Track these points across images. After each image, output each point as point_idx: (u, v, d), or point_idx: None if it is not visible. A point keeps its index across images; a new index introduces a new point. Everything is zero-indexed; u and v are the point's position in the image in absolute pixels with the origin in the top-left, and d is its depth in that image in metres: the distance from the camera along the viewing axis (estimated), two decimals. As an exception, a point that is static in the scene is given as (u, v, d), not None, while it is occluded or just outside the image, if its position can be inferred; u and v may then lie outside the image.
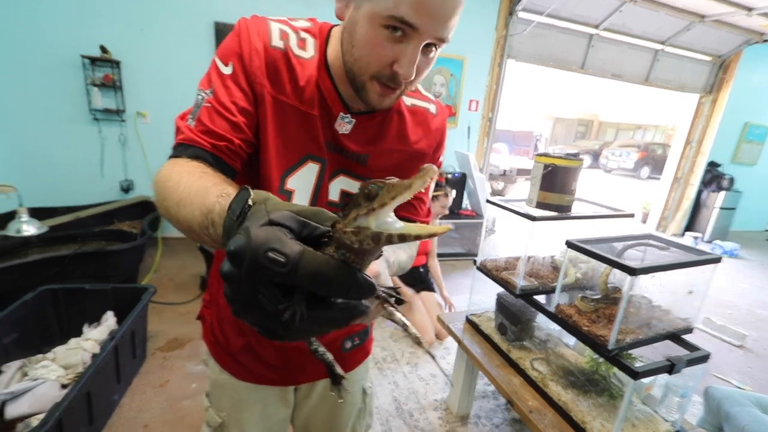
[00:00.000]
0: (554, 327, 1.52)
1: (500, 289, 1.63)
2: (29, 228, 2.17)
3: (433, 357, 0.55)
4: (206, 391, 0.85)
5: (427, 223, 0.79)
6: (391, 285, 0.48)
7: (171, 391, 1.80)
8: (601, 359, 1.34)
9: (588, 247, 1.23)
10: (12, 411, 1.38)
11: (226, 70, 0.58)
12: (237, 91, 0.57)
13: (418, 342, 0.54)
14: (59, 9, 2.81)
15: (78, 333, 1.80)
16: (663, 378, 1.39)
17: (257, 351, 0.76)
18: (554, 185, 1.51)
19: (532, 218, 1.42)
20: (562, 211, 1.52)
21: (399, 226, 0.27)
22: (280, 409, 0.85)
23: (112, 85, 3.01)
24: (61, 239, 2.51)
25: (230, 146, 0.56)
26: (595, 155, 15.61)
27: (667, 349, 1.25)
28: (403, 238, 0.26)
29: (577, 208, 1.61)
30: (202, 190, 0.44)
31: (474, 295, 1.88)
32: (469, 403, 1.84)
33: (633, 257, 1.45)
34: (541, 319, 1.69)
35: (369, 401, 0.94)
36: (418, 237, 0.26)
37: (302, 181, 0.65)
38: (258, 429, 0.82)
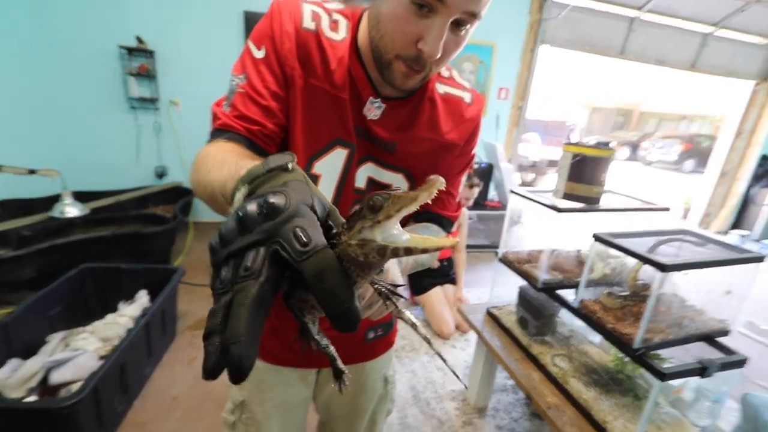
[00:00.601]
0: (579, 323, 1.47)
1: (523, 282, 1.60)
2: (72, 210, 2.32)
3: (443, 359, 0.55)
4: None
5: (456, 217, 0.77)
6: (401, 282, 0.47)
7: (198, 367, 1.89)
8: (628, 358, 1.29)
9: (616, 241, 1.18)
10: (56, 377, 1.49)
11: (259, 54, 0.58)
12: (269, 75, 0.58)
13: (427, 341, 0.53)
14: (99, 1, 2.94)
15: (114, 309, 1.91)
16: (695, 381, 1.32)
17: (279, 333, 0.77)
18: (582, 176, 1.45)
19: (557, 210, 1.37)
20: (591, 203, 1.46)
21: (405, 238, 0.26)
22: (301, 390, 0.86)
23: (147, 75, 3.13)
24: (101, 221, 2.66)
25: (264, 131, 0.57)
26: (634, 147, 14.84)
27: (703, 352, 1.18)
28: (409, 252, 0.25)
29: (606, 201, 1.54)
30: (236, 160, 0.44)
31: (496, 288, 1.85)
32: (487, 396, 1.82)
33: (666, 254, 1.37)
34: (564, 315, 1.64)
35: (390, 389, 0.94)
36: (424, 250, 0.25)
37: (329, 167, 0.64)
38: (278, 409, 0.84)
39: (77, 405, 1.20)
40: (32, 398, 1.42)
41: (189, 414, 1.62)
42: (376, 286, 0.41)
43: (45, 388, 1.47)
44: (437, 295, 2.44)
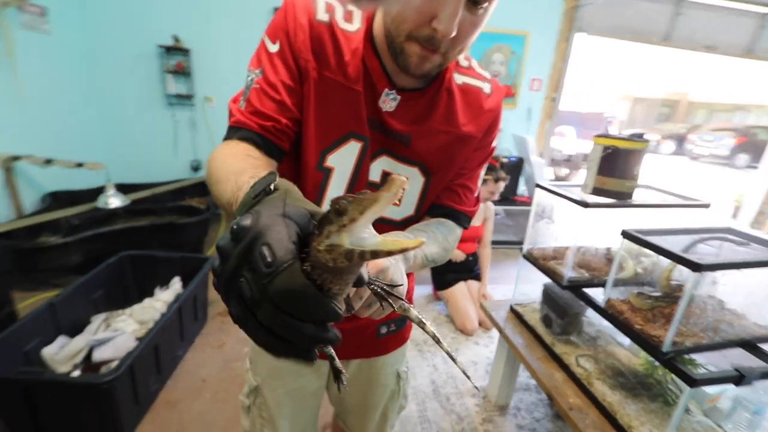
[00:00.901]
0: (607, 324, 1.41)
1: (548, 280, 1.55)
2: (115, 201, 2.48)
3: (453, 358, 0.53)
4: (249, 355, 0.91)
5: (474, 212, 0.75)
6: (404, 282, 0.46)
7: (227, 352, 1.98)
8: (658, 363, 1.23)
9: (648, 238, 1.12)
10: (98, 355, 1.61)
11: (273, 48, 0.58)
12: (283, 69, 0.58)
13: (436, 340, 0.52)
14: (139, 2, 3.09)
15: (151, 294, 2.03)
16: (733, 390, 1.24)
17: None
18: (614, 169, 1.38)
19: (585, 205, 1.31)
20: (622, 199, 1.39)
21: (373, 241, 0.26)
22: (313, 381, 0.87)
23: (183, 72, 3.27)
24: (140, 212, 2.82)
25: (277, 126, 0.57)
26: (680, 140, 13.92)
27: (744, 359, 1.10)
28: (375, 255, 0.25)
29: (640, 196, 1.46)
30: (240, 170, 0.45)
31: (522, 285, 1.80)
32: (509, 394, 1.79)
33: (704, 253, 1.29)
34: (591, 315, 1.58)
35: (403, 384, 0.94)
36: (389, 253, 0.25)
37: (342, 160, 0.64)
38: (290, 397, 0.85)
39: (114, 381, 1.28)
40: (76, 373, 1.53)
41: (217, 396, 1.70)
42: (372, 286, 0.40)
43: (88, 364, 1.59)
44: (461, 290, 2.42)
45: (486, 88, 0.69)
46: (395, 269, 0.46)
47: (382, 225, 0.70)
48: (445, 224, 0.70)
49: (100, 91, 3.18)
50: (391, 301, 0.42)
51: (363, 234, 0.26)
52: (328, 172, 0.64)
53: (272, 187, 0.33)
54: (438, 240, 0.66)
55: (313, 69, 0.59)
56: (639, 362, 1.36)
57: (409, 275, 0.86)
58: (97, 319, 1.79)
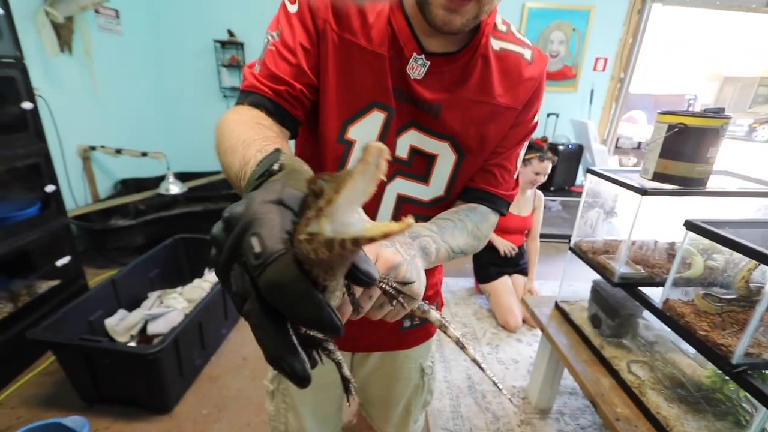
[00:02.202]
0: (669, 328, 1.24)
1: (598, 276, 1.39)
2: (174, 188, 2.67)
3: (480, 366, 0.46)
4: None
5: (513, 196, 0.68)
6: (420, 280, 0.41)
7: (267, 333, 2.06)
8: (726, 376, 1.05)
9: (719, 230, 0.95)
10: (152, 328, 1.75)
11: (293, 8, 0.55)
12: (301, 30, 0.55)
13: (461, 346, 0.46)
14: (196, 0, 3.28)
15: (201, 275, 2.17)
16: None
17: None
18: (681, 152, 1.19)
19: (643, 192, 1.15)
20: (691, 186, 1.20)
21: (358, 228, 0.22)
22: (334, 370, 0.86)
23: (237, 66, 3.42)
24: (198, 199, 3.02)
25: (291, 91, 0.54)
26: (783, 125, 11.97)
27: None
28: (356, 243, 0.21)
29: (716, 184, 1.25)
30: (248, 141, 0.42)
31: (571, 281, 1.65)
32: (551, 397, 1.66)
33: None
34: (651, 318, 1.40)
35: (428, 380, 0.90)
36: (371, 239, 0.21)
37: (365, 132, 0.59)
38: (312, 385, 0.85)
39: (160, 353, 1.38)
40: (133, 344, 1.68)
41: (255, 373, 1.77)
42: (382, 285, 0.36)
43: (143, 336, 1.74)
44: (504, 284, 2.29)
45: (527, 54, 0.61)
46: (409, 266, 0.40)
47: (409, 206, 0.65)
48: (476, 210, 0.63)
49: (163, 85, 3.43)
50: (403, 302, 0.37)
51: (349, 219, 0.22)
52: (350, 144, 0.60)
53: (276, 166, 0.30)
54: (467, 229, 0.59)
55: (332, 30, 0.55)
56: (705, 374, 1.18)
57: (435, 268, 0.81)
58: (153, 296, 1.94)
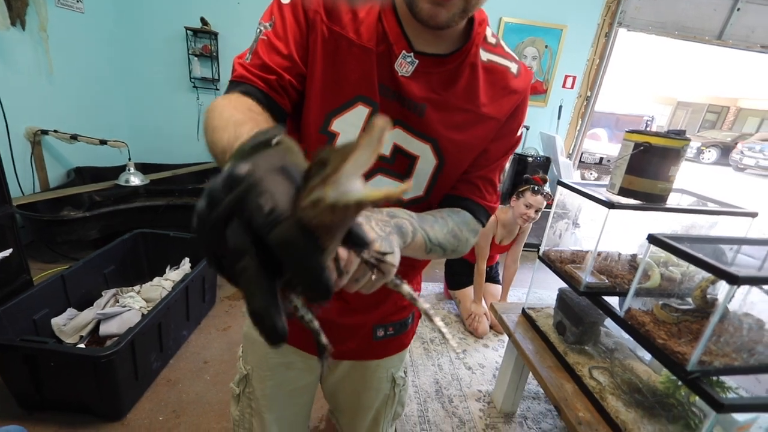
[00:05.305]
0: (628, 336, 1.30)
1: (565, 285, 1.44)
2: (135, 179, 2.52)
3: (430, 318, 0.47)
4: (242, 342, 0.87)
5: (495, 208, 0.68)
6: (395, 251, 0.42)
7: (231, 335, 1.97)
8: (681, 382, 1.11)
9: (678, 244, 1.00)
10: (104, 329, 1.63)
11: (285, 0, 0.55)
12: (293, 22, 0.55)
13: (429, 317, 0.46)
14: (170, -17, 3.13)
15: (162, 273, 2.05)
16: (767, 419, 1.11)
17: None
18: (646, 169, 1.26)
19: (610, 205, 1.20)
20: (653, 201, 1.26)
21: (357, 194, 0.23)
22: (303, 376, 0.83)
23: (209, 56, 3.29)
24: (161, 192, 2.87)
25: (280, 81, 0.54)
26: (726, 149, 13.06)
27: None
28: (359, 205, 0.23)
29: (675, 200, 1.33)
30: (241, 121, 0.42)
31: (537, 289, 1.70)
32: (516, 401, 1.70)
33: (745, 265, 1.16)
34: (611, 325, 1.47)
35: (399, 391, 0.88)
36: (373, 201, 0.22)
37: (349, 126, 0.58)
38: (279, 390, 0.82)
39: (114, 356, 1.29)
40: (82, 345, 1.56)
41: (217, 377, 1.69)
42: (362, 255, 0.38)
43: (94, 337, 1.62)
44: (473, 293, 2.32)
45: (513, 68, 0.62)
46: (383, 242, 0.42)
47: (389, 203, 0.64)
48: (459, 213, 0.64)
49: (128, 71, 3.24)
50: (383, 270, 0.40)
51: (351, 187, 0.24)
52: (333, 136, 0.59)
53: (275, 141, 0.29)
54: (448, 226, 0.59)
55: (322, 22, 0.55)
56: (660, 380, 1.25)
57: (414, 278, 0.80)
58: (107, 294, 1.82)
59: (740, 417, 1.11)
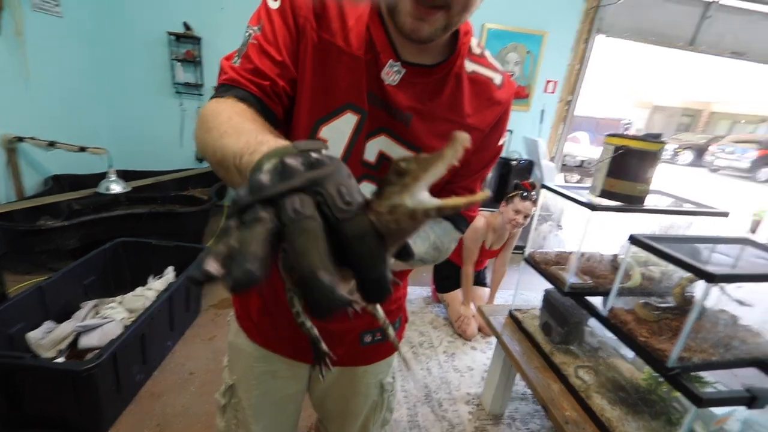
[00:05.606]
0: (610, 335, 1.33)
1: (551, 286, 1.47)
2: (116, 187, 2.46)
3: (407, 367, 0.47)
4: (227, 352, 0.86)
5: (474, 217, 0.70)
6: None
7: (217, 345, 1.94)
8: (662, 378, 1.14)
9: (657, 245, 1.04)
10: (84, 342, 1.59)
11: (274, 5, 0.55)
12: (283, 27, 0.54)
13: (387, 331, 0.48)
14: (151, -12, 3.09)
15: (144, 282, 2.01)
16: (743, 412, 1.15)
17: (273, 316, 0.74)
18: (625, 172, 1.30)
19: (592, 207, 1.24)
20: (633, 203, 1.30)
21: (436, 201, 0.25)
22: (290, 384, 0.82)
23: (192, 61, 3.25)
24: (143, 200, 2.81)
25: (274, 88, 0.53)
26: (700, 151, 13.54)
27: (758, 380, 1.02)
28: (440, 211, 0.24)
29: (653, 202, 1.37)
30: (258, 129, 0.41)
31: (523, 291, 1.73)
32: (504, 403, 1.71)
33: (720, 263, 1.20)
34: (595, 325, 1.50)
35: (387, 397, 0.88)
36: (455, 207, 0.24)
37: (337, 133, 0.58)
38: (265, 399, 0.81)
39: (95, 369, 1.25)
40: (61, 359, 1.51)
41: (203, 389, 1.66)
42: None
43: (73, 351, 1.57)
44: (459, 296, 2.34)
45: (497, 79, 0.63)
46: None
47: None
48: (441, 224, 0.65)
49: (108, 76, 3.18)
50: None
51: (421, 196, 0.26)
52: None
53: (323, 151, 0.29)
54: (430, 239, 0.61)
55: (312, 29, 0.54)
56: (642, 377, 1.28)
57: (402, 276, 0.80)
58: (87, 306, 1.76)
59: (718, 411, 1.14)
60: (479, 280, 2.49)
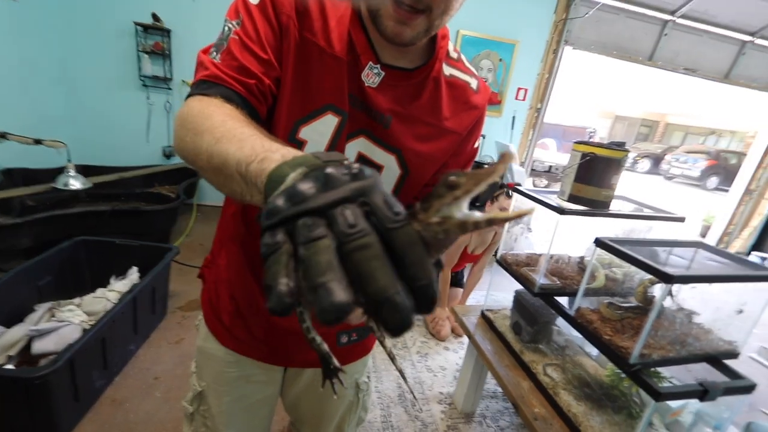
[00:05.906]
0: (576, 334, 1.39)
1: (520, 287, 1.52)
2: (75, 183, 2.31)
3: (403, 376, 0.48)
4: (195, 357, 0.82)
5: None
6: None
7: (184, 348, 1.87)
8: (624, 374, 1.20)
9: (621, 247, 1.09)
10: (38, 347, 1.48)
11: (254, 0, 0.53)
12: (265, 24, 0.52)
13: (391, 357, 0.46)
14: (117, -24, 2.94)
15: (106, 284, 1.90)
16: (695, 405, 1.23)
17: (246, 319, 0.72)
18: (591, 177, 1.36)
19: (561, 211, 1.29)
20: (598, 207, 1.37)
21: (485, 214, 0.26)
22: (263, 388, 0.81)
23: (161, 53, 3.13)
24: (106, 196, 2.68)
25: (260, 86, 0.51)
26: (657, 160, 14.40)
27: (708, 374, 1.09)
28: (491, 222, 0.25)
29: (616, 206, 1.44)
30: (257, 136, 0.38)
31: (495, 291, 1.77)
32: (475, 401, 1.75)
33: (676, 265, 1.28)
34: (562, 324, 1.56)
35: (363, 396, 0.88)
36: (505, 219, 0.25)
37: (316, 134, 0.58)
38: (237, 405, 0.78)
39: (50, 376, 1.18)
40: (11, 366, 1.41)
41: (169, 394, 1.59)
42: None
43: (25, 357, 1.47)
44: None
45: (473, 84, 0.65)
46: None
47: None
48: None
49: (69, 66, 3.00)
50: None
51: (465, 208, 0.27)
52: (300, 144, 0.58)
53: (345, 164, 0.28)
54: None
55: (295, 28, 0.53)
56: (605, 373, 1.34)
57: None
58: (41, 308, 1.65)
59: (673, 404, 1.22)
60: (456, 281, 2.53)
